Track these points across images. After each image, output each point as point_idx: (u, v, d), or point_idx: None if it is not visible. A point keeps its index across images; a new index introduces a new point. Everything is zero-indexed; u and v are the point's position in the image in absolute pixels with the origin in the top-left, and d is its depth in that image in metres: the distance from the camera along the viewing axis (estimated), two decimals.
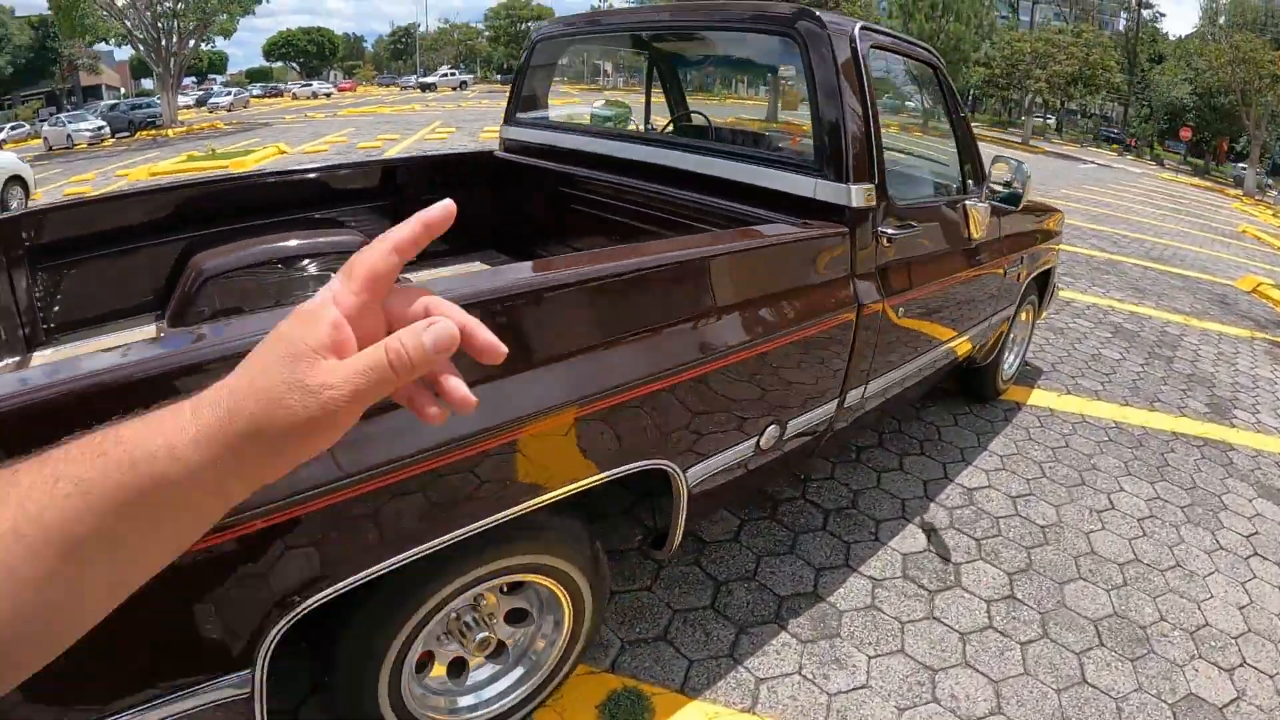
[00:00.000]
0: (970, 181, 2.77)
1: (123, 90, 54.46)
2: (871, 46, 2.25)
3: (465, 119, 23.31)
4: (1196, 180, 29.50)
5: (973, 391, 3.91)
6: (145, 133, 26.40)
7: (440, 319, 0.42)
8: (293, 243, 2.47)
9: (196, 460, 0.38)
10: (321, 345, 0.40)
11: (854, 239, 2.08)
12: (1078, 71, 29.08)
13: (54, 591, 0.36)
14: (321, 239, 2.54)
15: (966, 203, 2.66)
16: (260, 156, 15.74)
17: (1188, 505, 3.21)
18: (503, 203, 3.40)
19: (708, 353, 1.70)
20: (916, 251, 2.41)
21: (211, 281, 2.25)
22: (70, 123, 25.59)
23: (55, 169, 18.49)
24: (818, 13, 2.16)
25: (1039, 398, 4.15)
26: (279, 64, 79.31)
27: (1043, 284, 4.06)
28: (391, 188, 3.12)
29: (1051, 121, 47.85)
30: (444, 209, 0.44)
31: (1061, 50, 29.45)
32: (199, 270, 2.25)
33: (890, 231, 2.19)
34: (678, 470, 1.74)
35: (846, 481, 3.09)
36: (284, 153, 16.55)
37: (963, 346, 3.05)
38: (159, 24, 25.62)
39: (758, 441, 1.95)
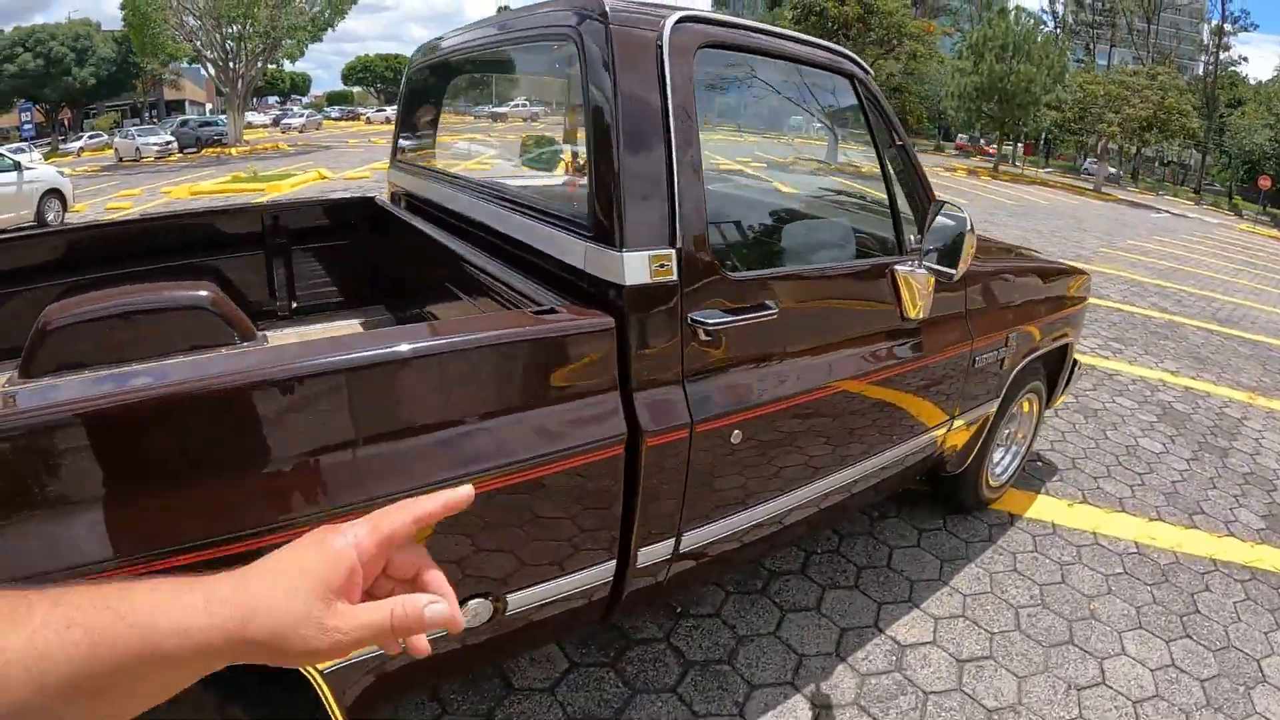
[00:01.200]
0: (912, 237, 2.06)
1: (209, 107, 56.97)
2: (703, 46, 1.59)
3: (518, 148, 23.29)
4: (1277, 233, 27.46)
5: (947, 500, 3.12)
6: (210, 150, 27.34)
7: (440, 601, 0.51)
8: (142, 296, 2.37)
9: (202, 648, 0.44)
10: (340, 588, 0.48)
11: (629, 334, 1.44)
12: (1152, 115, 27.44)
13: None
14: (169, 293, 2.41)
15: (897, 268, 1.95)
16: (299, 181, 15.81)
17: (1212, 677, 2.37)
18: (381, 256, 3.04)
19: (321, 504, 1.16)
20: (782, 344, 1.73)
21: (56, 334, 2.18)
22: (140, 136, 26.69)
23: (114, 180, 19.04)
24: (608, 3, 1.50)
25: (1042, 508, 3.33)
26: (359, 88, 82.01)
27: (1056, 364, 3.27)
28: (270, 233, 2.89)
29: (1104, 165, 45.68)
30: (464, 495, 0.55)
31: (1135, 94, 27.85)
32: (46, 321, 2.19)
33: (713, 321, 1.52)
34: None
35: (735, 621, 2.35)
36: (324, 178, 16.59)
37: (902, 460, 2.31)
38: (227, 46, 26.47)
39: None
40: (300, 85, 77.60)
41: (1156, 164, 48.53)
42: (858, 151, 2.09)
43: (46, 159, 27.97)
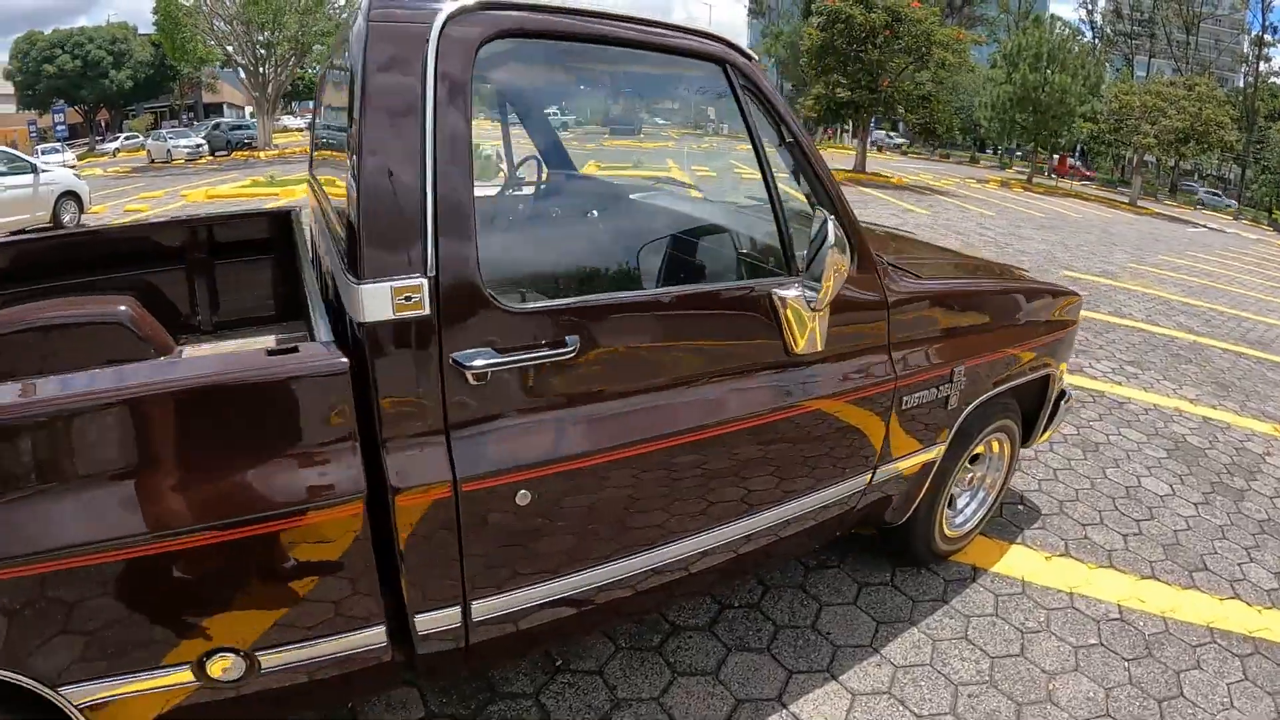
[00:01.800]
0: (804, 252, 1.72)
1: (248, 110, 57.99)
2: (496, 37, 1.37)
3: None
4: None
5: (896, 552, 2.74)
6: (240, 153, 27.71)
7: None
8: (61, 312, 2.33)
9: None
10: None
11: (372, 378, 1.30)
12: (1189, 127, 26.39)
13: None
14: (88, 309, 2.36)
15: (777, 292, 1.62)
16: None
17: None
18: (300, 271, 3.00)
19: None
20: (593, 388, 1.48)
21: None
22: (171, 139, 27.13)
23: (141, 182, 19.36)
24: None
25: (1014, 561, 2.92)
26: None
27: (1037, 397, 2.88)
28: (194, 247, 2.87)
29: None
30: None
31: (1172, 105, 26.80)
32: None
33: (482, 363, 1.33)
34: (45, 688, 1.22)
35: (616, 682, 2.05)
36: None
37: (802, 518, 1.97)
38: (257, 52, 26.80)
39: (199, 669, 1.32)
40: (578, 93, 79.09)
41: (1195, 177, 47.08)
42: (742, 150, 1.75)
43: (81, 159, 28.61)
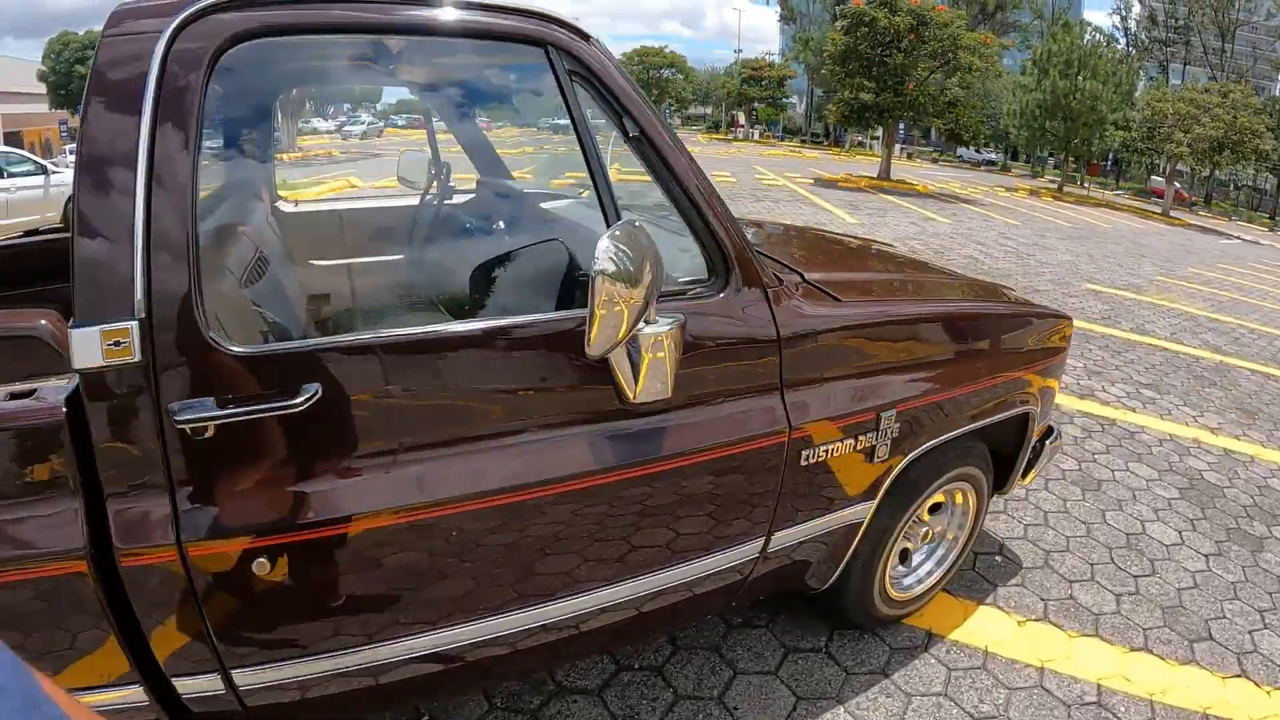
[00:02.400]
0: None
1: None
2: (243, 39, 1.20)
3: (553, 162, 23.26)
4: None
5: (830, 614, 2.36)
6: None
7: None
8: None
9: None
10: None
11: (90, 429, 1.19)
12: (1223, 136, 25.41)
13: None
14: (5, 322, 2.18)
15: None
16: (327, 189, 15.72)
17: None
18: None
19: None
20: (343, 443, 1.30)
21: None
22: None
23: None
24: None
25: (979, 626, 2.53)
26: None
27: (1014, 438, 2.50)
28: None
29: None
30: None
31: (1206, 113, 25.85)
32: None
33: (199, 415, 1.18)
34: None
35: None
36: (353, 186, 16.45)
37: (663, 593, 1.64)
38: None
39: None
40: (373, 94, 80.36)
41: (1231, 188, 45.61)
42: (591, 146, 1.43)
43: None
